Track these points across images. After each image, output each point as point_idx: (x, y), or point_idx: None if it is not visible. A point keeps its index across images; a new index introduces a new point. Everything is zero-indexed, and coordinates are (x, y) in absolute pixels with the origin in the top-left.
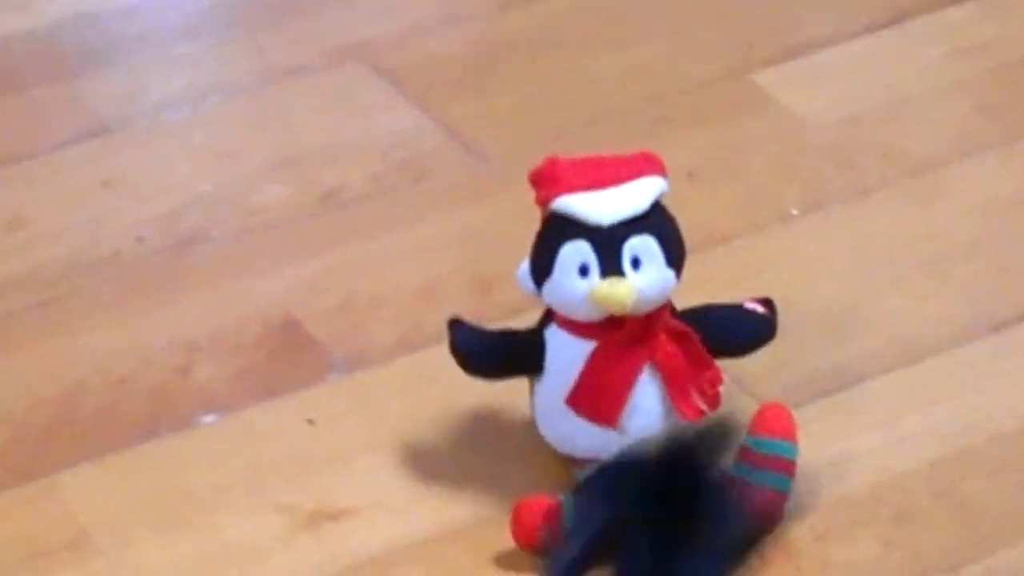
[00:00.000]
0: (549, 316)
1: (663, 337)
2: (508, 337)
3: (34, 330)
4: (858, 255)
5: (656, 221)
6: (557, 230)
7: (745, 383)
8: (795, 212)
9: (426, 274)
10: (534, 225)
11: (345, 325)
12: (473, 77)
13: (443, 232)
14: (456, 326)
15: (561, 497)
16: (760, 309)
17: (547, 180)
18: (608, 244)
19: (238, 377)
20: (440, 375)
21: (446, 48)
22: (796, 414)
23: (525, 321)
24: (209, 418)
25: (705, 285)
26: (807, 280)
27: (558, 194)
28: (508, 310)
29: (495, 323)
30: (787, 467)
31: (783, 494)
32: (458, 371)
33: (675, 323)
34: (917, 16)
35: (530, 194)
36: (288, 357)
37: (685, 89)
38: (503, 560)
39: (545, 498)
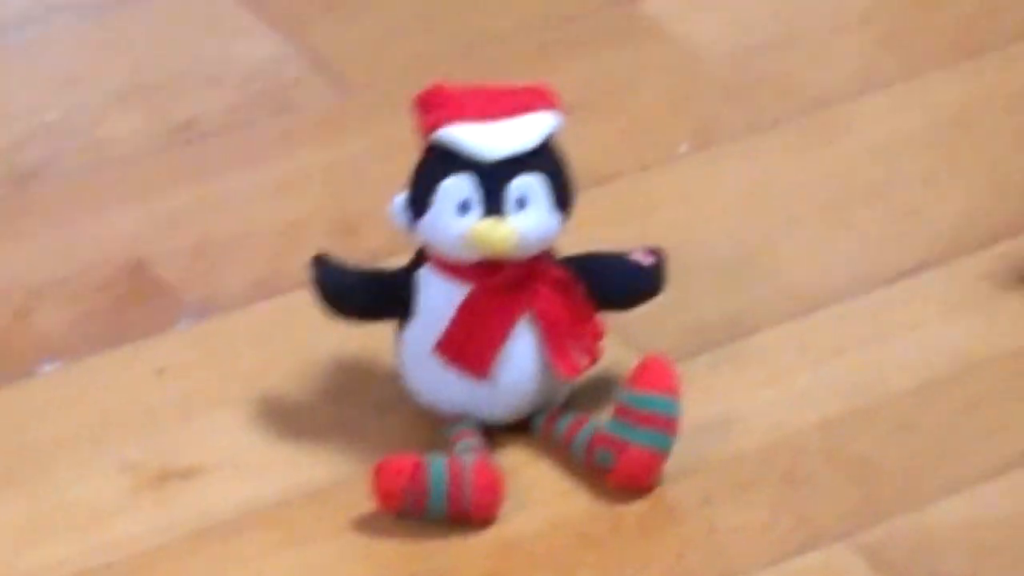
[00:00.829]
0: (422, 257)
1: (543, 285)
2: (376, 276)
3: None
4: (751, 197)
5: (545, 160)
6: (439, 162)
7: (626, 333)
8: (684, 149)
9: (286, 214)
10: (403, 163)
11: (198, 268)
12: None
13: (305, 169)
14: (319, 262)
15: (427, 456)
16: (646, 261)
17: (431, 106)
18: (492, 181)
19: (82, 323)
20: (299, 323)
21: None
22: (681, 368)
23: (392, 266)
24: (50, 366)
25: (585, 227)
26: (695, 223)
27: (442, 123)
28: (374, 253)
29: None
30: (668, 424)
31: (663, 453)
32: (319, 319)
33: (557, 270)
34: None
35: (400, 129)
36: (136, 302)
37: (568, 15)
38: (363, 523)
39: (410, 456)
